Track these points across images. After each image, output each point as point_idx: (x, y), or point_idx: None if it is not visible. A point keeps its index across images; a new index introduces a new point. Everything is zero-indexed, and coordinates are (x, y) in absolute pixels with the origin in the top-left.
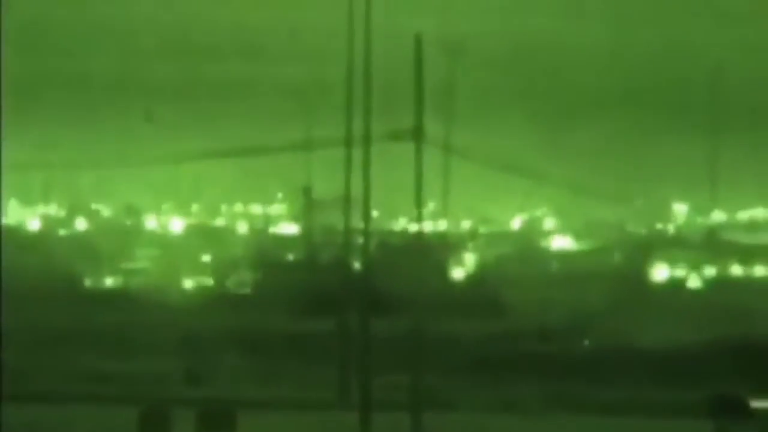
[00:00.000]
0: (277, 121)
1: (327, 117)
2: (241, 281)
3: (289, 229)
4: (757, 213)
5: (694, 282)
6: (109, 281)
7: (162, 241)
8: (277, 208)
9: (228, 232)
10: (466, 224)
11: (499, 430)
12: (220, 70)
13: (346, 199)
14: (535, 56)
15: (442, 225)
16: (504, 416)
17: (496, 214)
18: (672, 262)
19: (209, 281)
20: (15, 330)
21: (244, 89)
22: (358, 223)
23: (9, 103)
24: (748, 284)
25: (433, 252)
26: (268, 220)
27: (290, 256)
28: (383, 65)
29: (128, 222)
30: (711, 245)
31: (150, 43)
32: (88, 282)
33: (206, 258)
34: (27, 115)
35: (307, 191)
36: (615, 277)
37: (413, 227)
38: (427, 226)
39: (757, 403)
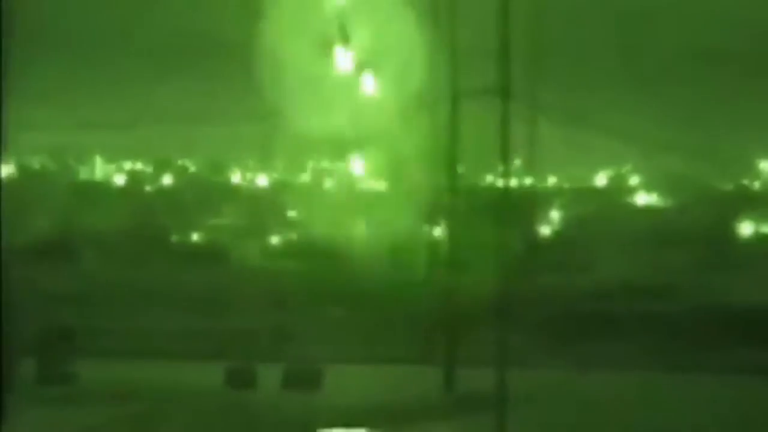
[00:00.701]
0: None
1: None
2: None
3: (375, 185)
4: None
5: None
6: (195, 237)
7: (247, 196)
8: (362, 165)
9: (314, 187)
10: (551, 181)
11: (584, 388)
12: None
13: (433, 155)
14: (622, 12)
15: (528, 181)
16: (588, 374)
17: (582, 171)
18: (759, 219)
19: (295, 237)
20: (102, 287)
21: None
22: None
23: (78, 58)
24: None
25: (520, 208)
26: (353, 176)
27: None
28: (469, 21)
29: (214, 178)
30: None
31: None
32: (174, 238)
33: (292, 214)
34: (106, 72)
35: (391, 147)
36: (701, 233)
37: (499, 183)
38: (513, 183)
39: None
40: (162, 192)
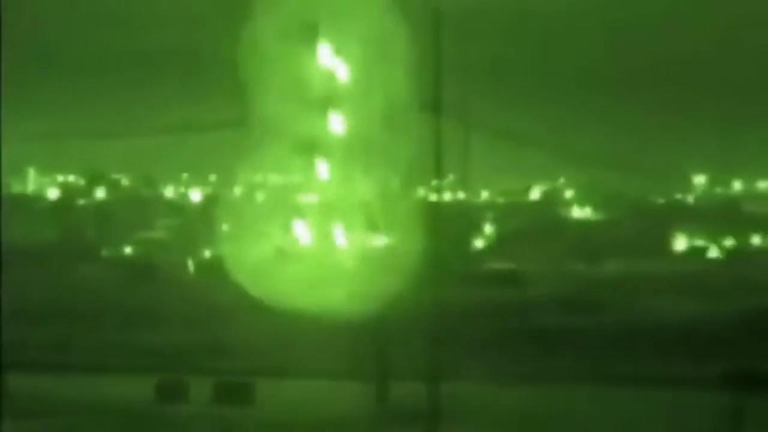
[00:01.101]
0: None
1: None
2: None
3: (309, 198)
4: None
5: (713, 253)
6: (127, 250)
7: (180, 210)
8: (297, 178)
9: (247, 201)
10: (485, 195)
11: (513, 401)
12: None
13: (367, 170)
14: (554, 30)
15: (461, 195)
16: (520, 387)
17: (515, 185)
18: (691, 234)
19: (228, 251)
20: (30, 302)
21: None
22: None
23: (26, 74)
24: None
25: (453, 222)
26: (289, 189)
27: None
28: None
29: (147, 192)
30: (730, 216)
31: (165, 14)
32: (105, 252)
33: (225, 227)
34: (43, 87)
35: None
36: (634, 248)
37: (433, 197)
38: (446, 197)
39: None
40: (95, 205)
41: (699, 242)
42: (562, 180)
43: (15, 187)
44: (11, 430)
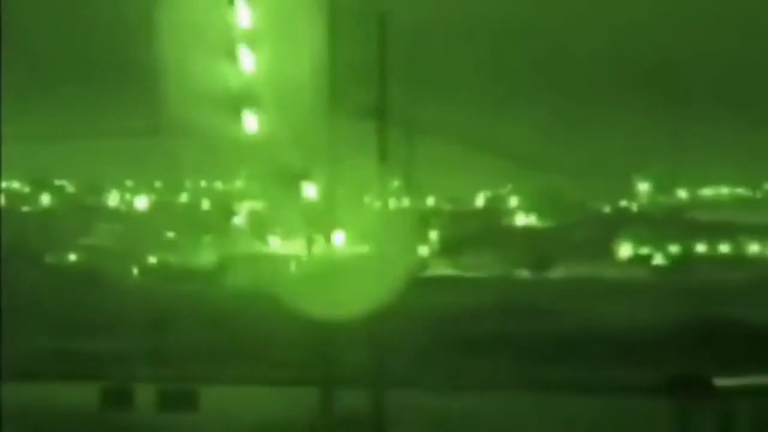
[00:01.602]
0: None
1: None
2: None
3: (254, 205)
4: (720, 191)
5: (658, 260)
6: (71, 257)
7: (125, 217)
8: (241, 185)
9: (192, 208)
10: (429, 201)
11: (459, 408)
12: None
13: (312, 176)
14: (502, 32)
15: (405, 202)
16: (464, 394)
17: (461, 191)
18: (636, 241)
19: (173, 258)
20: None
21: None
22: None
23: None
24: (712, 262)
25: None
26: (233, 196)
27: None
28: (347, 44)
29: (92, 198)
30: (674, 223)
31: (114, 21)
32: (49, 258)
33: (170, 235)
34: None
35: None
36: (579, 255)
37: (377, 203)
38: (391, 203)
39: (719, 381)
40: (39, 212)
41: (644, 249)
42: (509, 186)
43: None
44: None
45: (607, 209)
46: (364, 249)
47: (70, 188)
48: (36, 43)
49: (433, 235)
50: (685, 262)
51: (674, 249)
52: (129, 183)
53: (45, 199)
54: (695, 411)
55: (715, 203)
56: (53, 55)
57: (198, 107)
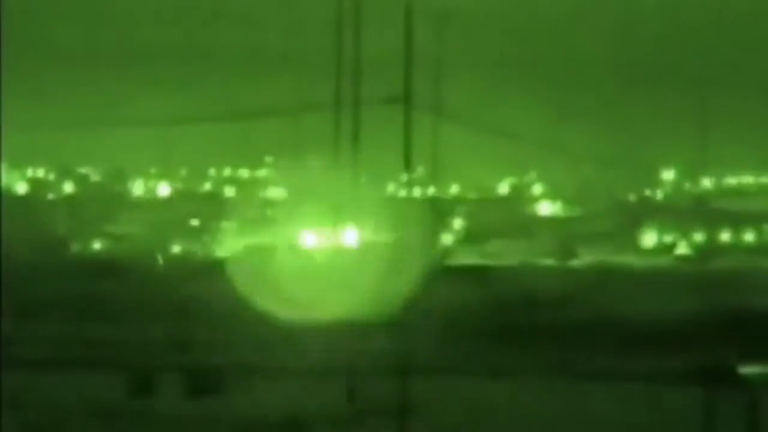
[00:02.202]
0: (267, 85)
1: (317, 82)
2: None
3: (277, 193)
4: (745, 179)
5: (682, 249)
6: (96, 245)
7: (150, 205)
8: (266, 173)
9: (216, 196)
10: (454, 189)
11: (485, 397)
12: (212, 35)
13: (335, 164)
14: (530, 21)
15: (431, 190)
16: (489, 383)
17: (485, 179)
18: (660, 229)
19: (197, 246)
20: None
21: (235, 54)
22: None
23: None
24: (737, 251)
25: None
26: (257, 184)
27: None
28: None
29: (116, 187)
30: (699, 212)
31: (144, 8)
32: (74, 247)
33: (194, 222)
34: (18, 76)
35: (296, 155)
36: (603, 243)
37: (402, 192)
38: (416, 191)
39: (744, 370)
40: (64, 200)
41: (668, 238)
42: (533, 174)
43: None
44: None
45: (632, 198)
46: (387, 238)
47: (95, 176)
48: (62, 32)
49: (458, 223)
50: (709, 250)
51: (699, 237)
52: (153, 171)
53: (69, 187)
54: (720, 399)
55: (739, 192)
56: (79, 44)
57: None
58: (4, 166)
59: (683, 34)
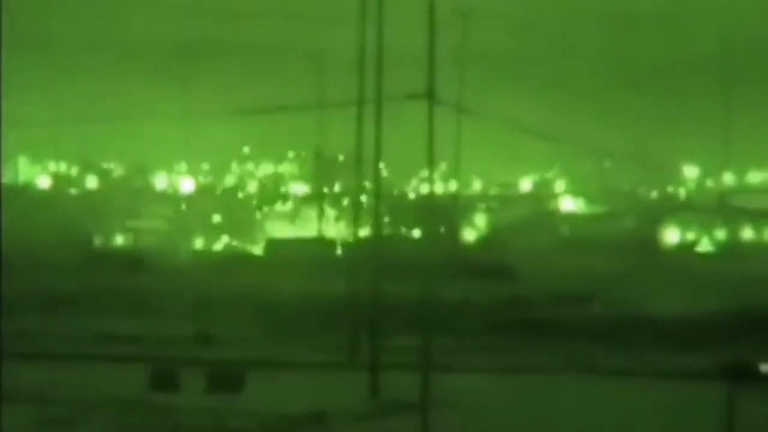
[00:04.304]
0: (289, 81)
1: (339, 78)
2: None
3: (299, 188)
4: None
5: (705, 246)
6: (119, 240)
7: (172, 200)
8: (288, 168)
9: (238, 190)
10: (477, 185)
11: (507, 391)
12: (236, 30)
13: (357, 160)
14: (552, 18)
15: (453, 186)
16: (512, 377)
17: (508, 175)
18: (683, 226)
19: (220, 240)
20: (23, 290)
21: (257, 50)
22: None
23: (21, 58)
24: (759, 248)
25: (445, 213)
26: (279, 179)
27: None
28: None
29: (139, 181)
30: (722, 209)
31: (165, 4)
32: (97, 241)
33: (216, 218)
34: (39, 71)
35: (318, 151)
36: (626, 241)
37: (424, 188)
38: (439, 188)
39: (765, 368)
40: (86, 195)
41: (691, 235)
42: (555, 170)
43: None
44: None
45: (654, 195)
46: (410, 233)
47: (119, 171)
48: (84, 27)
49: (480, 219)
50: (731, 247)
51: (721, 235)
52: (177, 165)
53: (93, 181)
54: (743, 396)
55: (762, 189)
56: (102, 38)
57: None
58: (25, 160)
59: (707, 29)
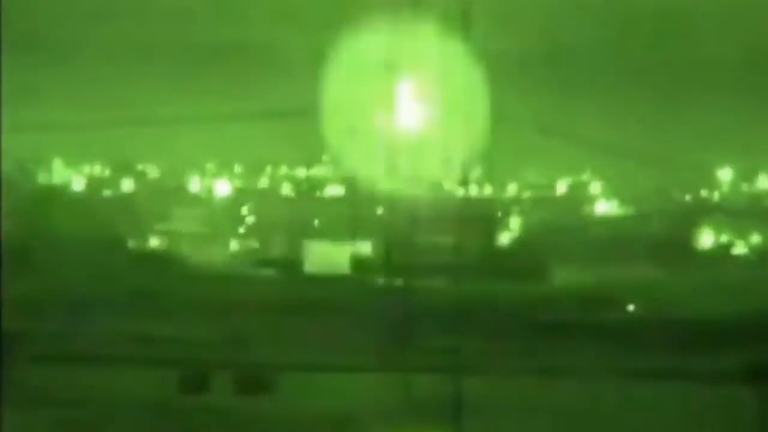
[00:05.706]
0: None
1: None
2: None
3: (334, 191)
4: None
5: (739, 250)
6: (153, 242)
7: (206, 202)
8: (322, 171)
9: (272, 194)
10: (511, 189)
11: (539, 393)
12: (262, 33)
13: (389, 162)
14: (586, 21)
15: (488, 189)
16: (544, 380)
17: (541, 178)
18: (717, 230)
19: (253, 243)
20: (57, 291)
21: (293, 54)
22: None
23: (49, 60)
24: None
25: (479, 216)
26: (313, 182)
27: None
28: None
29: (173, 183)
30: (756, 212)
31: (193, 6)
32: (131, 244)
33: (250, 220)
34: (69, 73)
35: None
36: (659, 243)
37: (459, 191)
38: (473, 191)
39: None
40: (120, 196)
41: (725, 239)
42: (588, 172)
43: (42, 178)
44: (27, 419)
45: (687, 198)
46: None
47: (153, 173)
48: (118, 29)
49: (514, 222)
50: (766, 251)
51: (756, 239)
52: (210, 168)
53: (127, 183)
54: None
55: None
56: (136, 40)
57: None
58: (59, 162)
59: (740, 31)
